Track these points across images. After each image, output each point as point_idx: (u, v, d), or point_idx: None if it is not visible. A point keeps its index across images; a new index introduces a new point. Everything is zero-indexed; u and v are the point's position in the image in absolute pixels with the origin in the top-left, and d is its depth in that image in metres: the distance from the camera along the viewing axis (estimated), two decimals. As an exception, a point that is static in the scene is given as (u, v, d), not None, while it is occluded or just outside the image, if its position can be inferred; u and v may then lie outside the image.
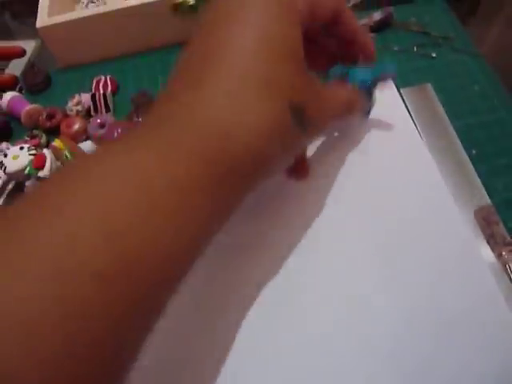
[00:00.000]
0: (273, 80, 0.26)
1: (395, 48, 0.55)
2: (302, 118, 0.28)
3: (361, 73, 0.40)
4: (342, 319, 0.37)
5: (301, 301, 0.38)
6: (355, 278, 0.39)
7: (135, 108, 0.51)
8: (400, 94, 0.51)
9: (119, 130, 0.47)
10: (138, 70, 0.57)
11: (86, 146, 0.49)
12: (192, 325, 0.37)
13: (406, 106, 0.50)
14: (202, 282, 0.38)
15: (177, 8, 0.53)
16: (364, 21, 0.55)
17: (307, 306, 0.38)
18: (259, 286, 0.39)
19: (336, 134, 0.47)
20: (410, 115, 0.49)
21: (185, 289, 0.25)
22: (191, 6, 0.53)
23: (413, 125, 0.48)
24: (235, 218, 0.28)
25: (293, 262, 0.40)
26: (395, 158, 0.46)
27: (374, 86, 0.41)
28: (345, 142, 0.47)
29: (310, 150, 0.45)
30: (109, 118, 0.50)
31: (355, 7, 0.61)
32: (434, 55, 0.53)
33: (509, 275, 0.39)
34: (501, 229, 0.42)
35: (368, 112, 0.45)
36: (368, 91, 0.41)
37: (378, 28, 0.56)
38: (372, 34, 0.55)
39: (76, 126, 0.49)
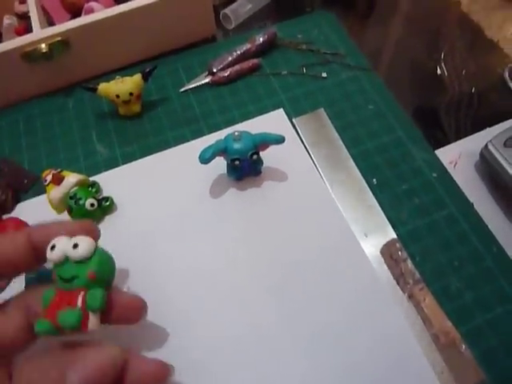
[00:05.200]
0: None
1: (283, 72, 0.51)
2: None
3: (239, 146, 0.38)
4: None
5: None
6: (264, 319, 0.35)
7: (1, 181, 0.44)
8: (293, 125, 0.47)
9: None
10: (-1, 132, 0.49)
11: None
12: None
13: (301, 138, 0.46)
14: None
15: (28, 57, 0.45)
16: (247, 46, 0.51)
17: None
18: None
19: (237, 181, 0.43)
20: (306, 149, 0.45)
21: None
22: (44, 53, 0.45)
23: (311, 163, 0.44)
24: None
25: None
26: (296, 202, 0.42)
27: (257, 153, 0.40)
28: (246, 188, 0.43)
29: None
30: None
31: (237, 29, 0.56)
32: (324, 75, 0.50)
33: (421, 316, 0.37)
34: (409, 265, 0.39)
35: (259, 171, 0.43)
36: (251, 157, 0.39)
37: (263, 51, 0.52)
38: (257, 60, 0.50)
39: None
